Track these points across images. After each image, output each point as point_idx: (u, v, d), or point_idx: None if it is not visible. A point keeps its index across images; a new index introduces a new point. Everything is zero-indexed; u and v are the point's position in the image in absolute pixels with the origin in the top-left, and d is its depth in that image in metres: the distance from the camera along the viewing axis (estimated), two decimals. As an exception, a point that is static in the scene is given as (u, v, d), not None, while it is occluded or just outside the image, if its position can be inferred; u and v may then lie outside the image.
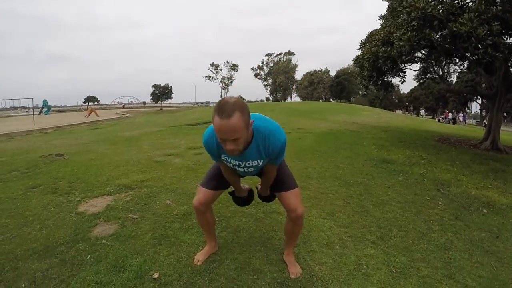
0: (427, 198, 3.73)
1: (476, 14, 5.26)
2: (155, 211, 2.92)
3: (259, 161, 1.61)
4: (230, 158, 1.63)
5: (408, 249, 2.42)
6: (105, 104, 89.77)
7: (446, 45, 5.85)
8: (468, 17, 5.23)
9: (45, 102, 33.86)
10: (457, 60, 8.64)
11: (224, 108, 1.32)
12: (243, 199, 2.18)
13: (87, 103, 76.87)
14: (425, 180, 4.52)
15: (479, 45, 5.30)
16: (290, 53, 66.33)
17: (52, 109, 39.52)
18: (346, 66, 60.35)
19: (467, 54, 6.46)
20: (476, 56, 5.88)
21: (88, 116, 22.09)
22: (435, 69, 9.67)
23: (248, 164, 1.63)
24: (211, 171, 2.00)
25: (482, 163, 5.90)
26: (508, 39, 5.96)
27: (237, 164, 1.65)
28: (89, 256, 2.14)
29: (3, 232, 2.54)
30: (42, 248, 2.25)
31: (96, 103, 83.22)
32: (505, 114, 46.38)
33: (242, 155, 1.55)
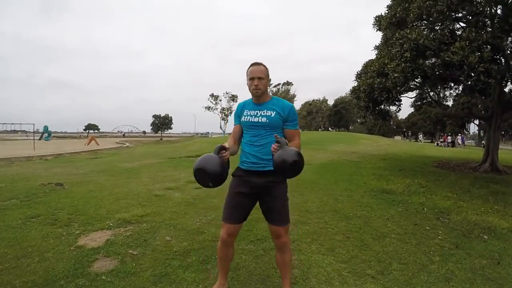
0: (427, 228, 3.74)
1: (467, 42, 5.47)
2: (155, 247, 2.92)
3: (272, 112, 2.00)
4: (250, 111, 2.05)
5: (409, 282, 2.40)
6: (105, 132, 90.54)
7: (439, 74, 6.06)
8: (460, 45, 5.44)
9: (46, 127, 34.24)
10: (452, 84, 8.86)
11: (257, 62, 2.05)
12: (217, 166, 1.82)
13: (87, 131, 77.49)
14: (425, 209, 4.53)
15: (472, 73, 5.49)
16: (288, 83, 67.86)
17: (52, 135, 39.91)
18: (343, 94, 61.52)
19: (461, 78, 6.67)
20: (469, 83, 6.07)
21: (88, 144, 22.18)
22: (431, 94, 9.88)
23: (263, 113, 2.01)
24: (229, 204, 2.06)
25: (482, 187, 5.95)
26: (499, 64, 6.17)
27: (255, 113, 2.02)
28: (89, 292, 2.13)
29: (1, 262, 2.55)
30: (41, 281, 2.25)
31: (96, 131, 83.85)
32: (503, 132, 46.80)
33: (261, 104, 2.03)
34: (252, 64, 2.03)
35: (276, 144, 1.77)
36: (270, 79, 2.30)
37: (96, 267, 2.49)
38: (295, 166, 1.69)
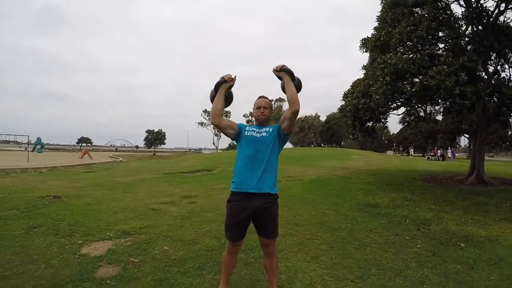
0: (407, 238, 4.03)
1: (445, 66, 5.90)
2: (154, 255, 3.15)
3: (270, 129, 2.33)
4: (253, 128, 2.36)
5: (385, 285, 2.67)
6: (98, 146, 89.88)
7: (418, 96, 6.49)
8: (437, 70, 5.88)
9: (39, 139, 34.11)
10: (439, 100, 9.34)
11: (263, 95, 2.46)
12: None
13: (80, 144, 76.91)
14: (407, 221, 4.83)
15: (447, 96, 5.91)
16: (280, 99, 68.85)
17: (45, 147, 39.72)
18: (335, 110, 62.29)
19: (438, 100, 7.12)
20: (446, 105, 6.51)
21: (81, 158, 22.17)
22: (418, 111, 10.30)
23: (263, 130, 2.33)
24: (230, 228, 2.25)
25: (466, 199, 6.23)
26: (477, 84, 6.62)
27: (257, 130, 2.33)
28: (96, 295, 2.35)
29: (9, 267, 2.75)
30: (49, 285, 2.46)
31: (89, 144, 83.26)
32: (493, 144, 47.97)
33: (263, 126, 2.36)
34: (260, 97, 2.45)
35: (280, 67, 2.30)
36: (273, 112, 2.71)
37: (100, 273, 2.71)
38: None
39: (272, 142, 2.27)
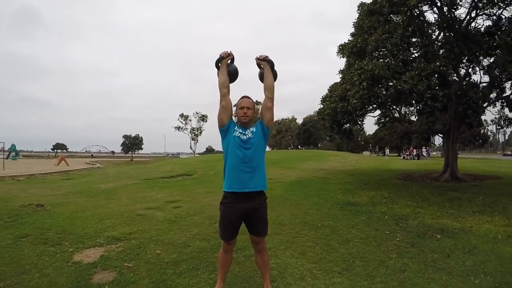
0: (387, 232, 4.31)
1: (417, 71, 6.32)
2: (147, 259, 3.23)
3: (254, 129, 2.44)
4: (239, 129, 2.43)
5: (369, 275, 2.91)
6: (74, 152, 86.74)
7: (393, 99, 6.91)
8: (410, 75, 6.29)
9: (13, 146, 32.47)
10: (413, 102, 9.87)
11: (246, 95, 2.50)
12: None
13: (55, 150, 73.89)
14: (386, 217, 5.13)
15: (419, 99, 6.32)
16: (257, 103, 69.28)
17: (20, 154, 37.99)
18: (312, 113, 63.43)
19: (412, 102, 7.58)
20: (418, 107, 6.94)
21: (58, 165, 21.37)
22: (393, 112, 10.80)
23: (248, 131, 2.42)
24: (224, 227, 2.43)
25: (441, 194, 6.62)
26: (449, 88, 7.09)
27: (243, 132, 2.41)
28: (95, 300, 2.42)
29: (2, 279, 2.75)
30: (47, 295, 2.49)
31: (64, 150, 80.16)
32: (466, 142, 50.68)
33: (248, 127, 2.44)
34: (243, 97, 2.50)
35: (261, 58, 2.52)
36: (257, 111, 2.88)
37: (97, 279, 2.76)
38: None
39: (258, 142, 2.42)
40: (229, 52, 2.55)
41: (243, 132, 2.41)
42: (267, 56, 2.55)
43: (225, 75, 2.50)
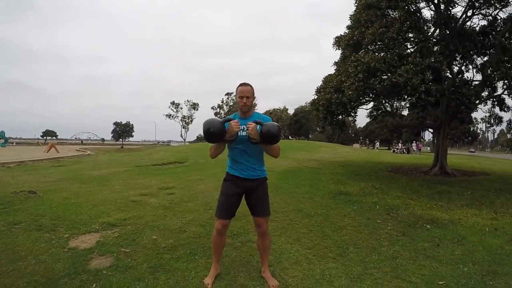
0: (378, 221, 4.42)
1: (412, 65, 6.41)
2: (144, 245, 3.24)
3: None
4: (240, 121, 2.42)
5: (362, 261, 3.01)
6: (64, 139, 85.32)
7: (387, 92, 6.99)
8: (405, 69, 6.37)
9: (2, 133, 31.92)
10: (406, 96, 10.02)
11: (245, 83, 2.48)
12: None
13: (45, 137, 72.50)
14: (377, 207, 5.24)
15: (413, 92, 6.42)
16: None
17: (9, 141, 37.25)
18: (304, 104, 63.64)
19: (405, 96, 7.69)
20: (412, 101, 7.06)
21: (47, 152, 21.07)
22: (385, 106, 10.96)
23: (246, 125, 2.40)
24: (223, 204, 2.51)
25: (430, 187, 6.81)
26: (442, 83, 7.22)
27: (241, 128, 2.39)
28: (94, 285, 2.42)
29: (-3, 267, 2.70)
30: (45, 280, 2.48)
31: (54, 137, 78.66)
32: (455, 139, 52.23)
33: (247, 118, 2.48)
34: (241, 85, 2.46)
35: (254, 123, 2.36)
36: (255, 97, 2.89)
37: (94, 264, 2.76)
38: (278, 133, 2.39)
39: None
40: (240, 127, 2.38)
41: (242, 129, 2.42)
42: (254, 139, 2.38)
43: (220, 151, 2.48)
